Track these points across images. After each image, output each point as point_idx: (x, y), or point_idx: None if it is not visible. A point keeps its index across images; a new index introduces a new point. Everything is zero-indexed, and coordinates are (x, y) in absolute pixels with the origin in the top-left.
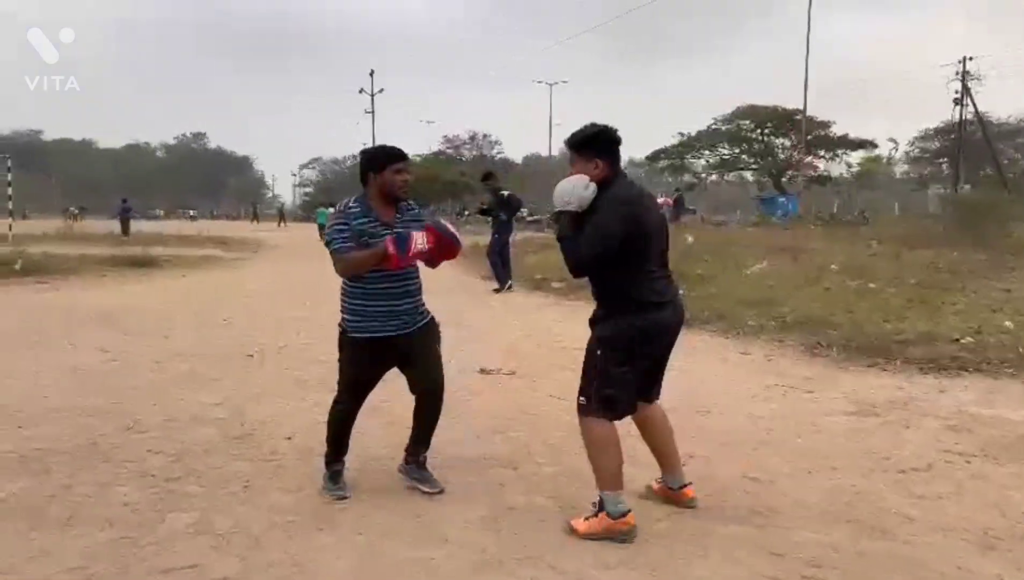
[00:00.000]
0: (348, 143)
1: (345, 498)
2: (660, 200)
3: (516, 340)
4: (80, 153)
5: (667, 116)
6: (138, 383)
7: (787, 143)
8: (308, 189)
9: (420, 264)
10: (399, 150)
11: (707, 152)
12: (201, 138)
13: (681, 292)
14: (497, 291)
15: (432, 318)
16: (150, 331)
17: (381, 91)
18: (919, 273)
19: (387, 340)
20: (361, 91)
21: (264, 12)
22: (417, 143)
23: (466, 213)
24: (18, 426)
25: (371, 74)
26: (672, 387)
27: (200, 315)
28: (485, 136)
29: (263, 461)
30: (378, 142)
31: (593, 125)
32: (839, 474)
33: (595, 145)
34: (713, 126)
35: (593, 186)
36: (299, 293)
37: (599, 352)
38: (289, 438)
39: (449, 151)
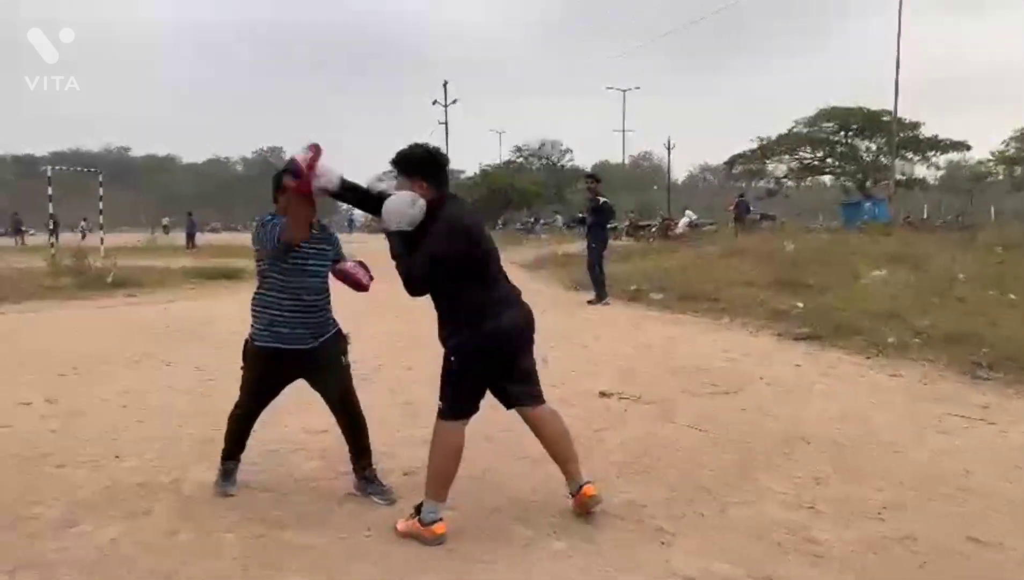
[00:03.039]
0: None
1: (230, 495)
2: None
3: (628, 359)
4: (165, 168)
5: (746, 121)
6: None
7: (873, 146)
8: None
9: (337, 284)
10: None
11: (787, 156)
12: (277, 152)
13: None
14: (592, 303)
15: (339, 330)
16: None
17: (455, 102)
18: None
19: (291, 352)
20: (435, 102)
21: (337, 27)
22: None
23: (541, 222)
24: (115, 455)
25: (444, 85)
26: (835, 418)
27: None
28: (555, 144)
29: (371, 504)
30: (455, 153)
31: (417, 146)
32: None
33: (417, 167)
34: (794, 129)
35: (421, 203)
36: (387, 304)
37: (452, 359)
38: (406, 474)
39: (519, 160)
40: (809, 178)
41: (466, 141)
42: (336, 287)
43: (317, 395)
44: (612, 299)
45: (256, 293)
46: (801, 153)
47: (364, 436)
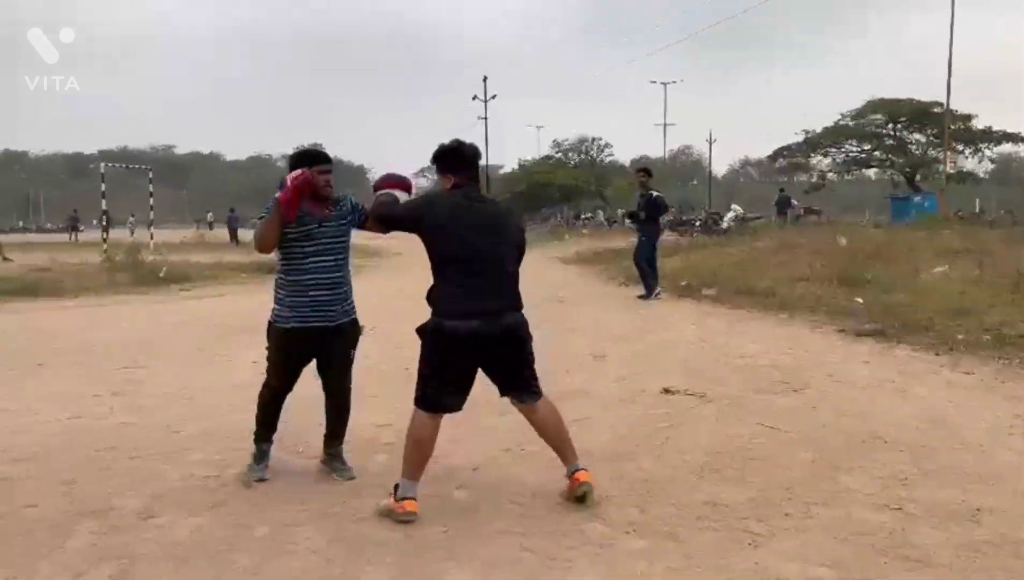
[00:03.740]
0: None
1: (264, 480)
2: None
3: (688, 355)
4: (209, 165)
5: (787, 115)
6: (298, 401)
7: (922, 138)
8: None
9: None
10: (323, 152)
11: (833, 149)
12: (319, 149)
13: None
14: (643, 298)
15: (354, 320)
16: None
17: (494, 97)
18: None
19: (309, 331)
20: (475, 97)
21: (376, 24)
22: (528, 148)
23: (584, 217)
24: (184, 448)
25: (484, 80)
26: (912, 416)
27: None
28: (594, 139)
29: (447, 499)
30: (491, 148)
31: (454, 141)
32: None
33: (444, 161)
34: (840, 122)
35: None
36: None
37: (423, 348)
38: (475, 469)
39: (558, 155)
40: (853, 171)
41: (505, 137)
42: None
43: (382, 389)
44: (663, 295)
45: (277, 274)
46: (847, 146)
47: (344, 423)
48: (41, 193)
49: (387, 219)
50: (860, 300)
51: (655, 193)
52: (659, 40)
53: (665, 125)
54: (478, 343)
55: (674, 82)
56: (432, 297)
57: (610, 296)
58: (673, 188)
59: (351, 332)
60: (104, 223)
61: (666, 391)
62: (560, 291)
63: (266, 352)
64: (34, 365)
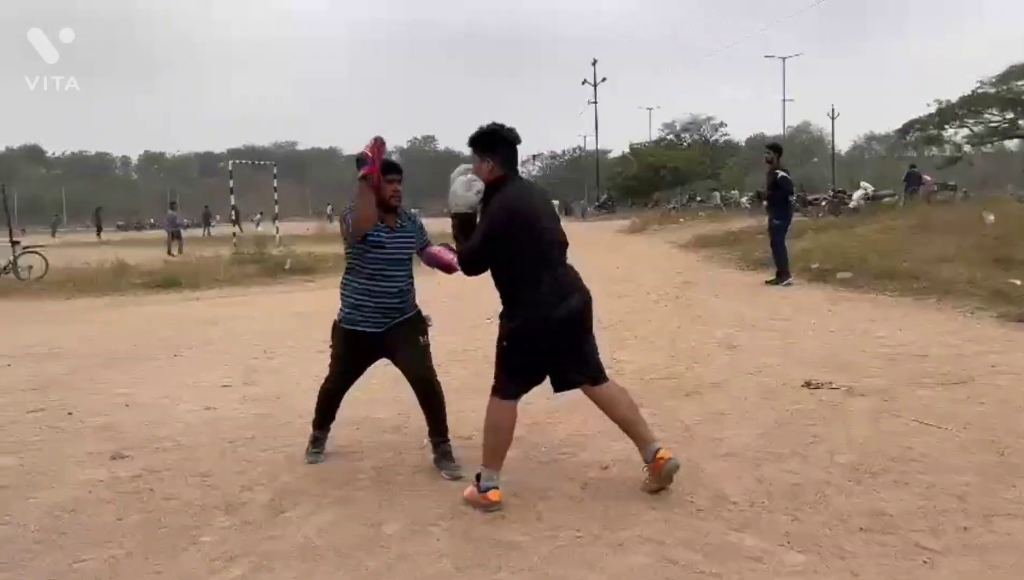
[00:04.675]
0: (568, 137)
1: (319, 462)
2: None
3: (829, 345)
4: (328, 160)
5: (919, 85)
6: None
7: None
8: None
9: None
10: (392, 161)
11: (971, 120)
12: (431, 141)
13: None
14: (771, 283)
15: (418, 311)
16: (453, 327)
17: (604, 80)
18: None
19: (367, 334)
20: (584, 82)
21: (485, 13)
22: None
23: (698, 200)
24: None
25: (594, 63)
26: None
27: (474, 307)
28: (708, 119)
29: (577, 500)
30: (602, 132)
31: (491, 124)
32: None
33: (485, 144)
34: (979, 90)
35: (478, 186)
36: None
37: (504, 344)
38: (605, 468)
39: (670, 137)
40: (990, 144)
41: (615, 120)
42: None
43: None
44: (794, 281)
45: (343, 277)
46: (988, 114)
47: (441, 411)
48: (176, 191)
49: (481, 261)
50: (1018, 282)
51: (781, 173)
52: (778, 12)
53: (784, 100)
54: (571, 323)
55: (794, 56)
56: (519, 293)
57: (734, 282)
58: (793, 166)
59: (417, 321)
60: (234, 218)
61: (808, 384)
62: (682, 277)
63: (330, 349)
64: (171, 356)
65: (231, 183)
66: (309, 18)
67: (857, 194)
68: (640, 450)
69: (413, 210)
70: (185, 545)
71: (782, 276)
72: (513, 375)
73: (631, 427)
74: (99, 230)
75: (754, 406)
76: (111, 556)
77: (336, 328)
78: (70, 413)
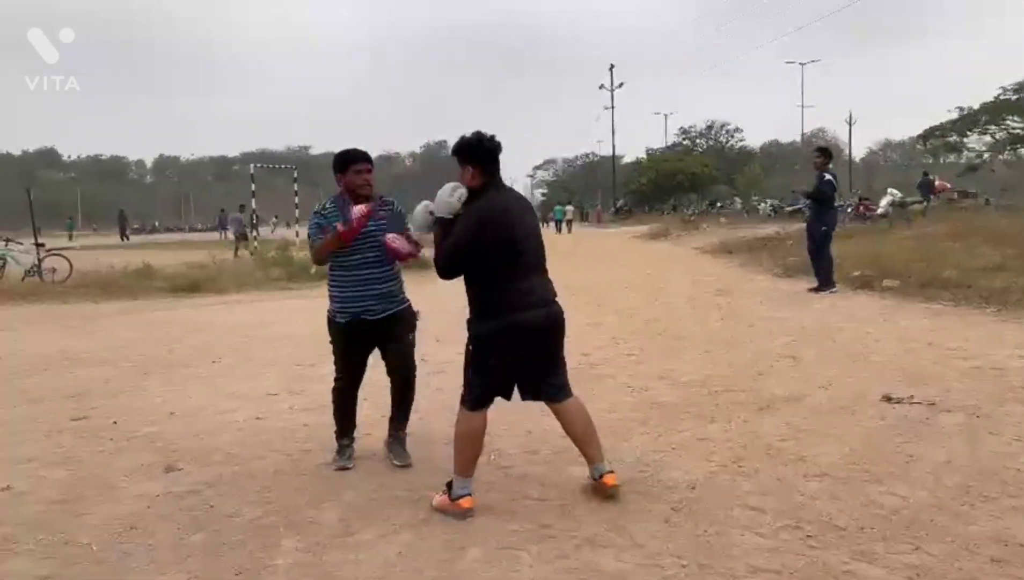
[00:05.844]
0: (582, 142)
1: (347, 469)
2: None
3: (895, 357)
4: None
5: (936, 93)
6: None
7: None
8: (543, 190)
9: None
10: (360, 152)
11: (992, 127)
12: (443, 147)
13: None
14: (815, 291)
15: (408, 305)
16: (460, 338)
17: (621, 85)
18: None
19: (361, 323)
20: (601, 87)
21: (498, 17)
22: (655, 137)
23: (718, 205)
24: (372, 453)
25: (611, 69)
26: None
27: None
28: (723, 125)
29: (670, 523)
30: (617, 137)
31: (474, 134)
32: None
33: (467, 153)
34: (1001, 97)
35: (461, 192)
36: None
37: (471, 348)
38: (693, 488)
39: (685, 142)
40: (1010, 150)
41: (631, 125)
42: None
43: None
44: (837, 288)
45: (329, 272)
46: (1010, 121)
47: (409, 405)
48: (191, 194)
49: (452, 266)
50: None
51: (828, 176)
52: (795, 20)
53: (803, 106)
54: (538, 333)
55: (812, 61)
56: (487, 299)
57: (773, 289)
58: (808, 173)
59: (406, 318)
60: (253, 221)
61: (887, 399)
62: (718, 283)
63: (330, 346)
64: (209, 362)
65: (252, 187)
66: (324, 23)
67: (884, 200)
68: (589, 465)
69: (390, 197)
70: (258, 569)
71: (826, 284)
72: (480, 382)
73: (585, 446)
74: (123, 233)
75: (837, 422)
76: None
77: (329, 325)
78: (115, 422)
